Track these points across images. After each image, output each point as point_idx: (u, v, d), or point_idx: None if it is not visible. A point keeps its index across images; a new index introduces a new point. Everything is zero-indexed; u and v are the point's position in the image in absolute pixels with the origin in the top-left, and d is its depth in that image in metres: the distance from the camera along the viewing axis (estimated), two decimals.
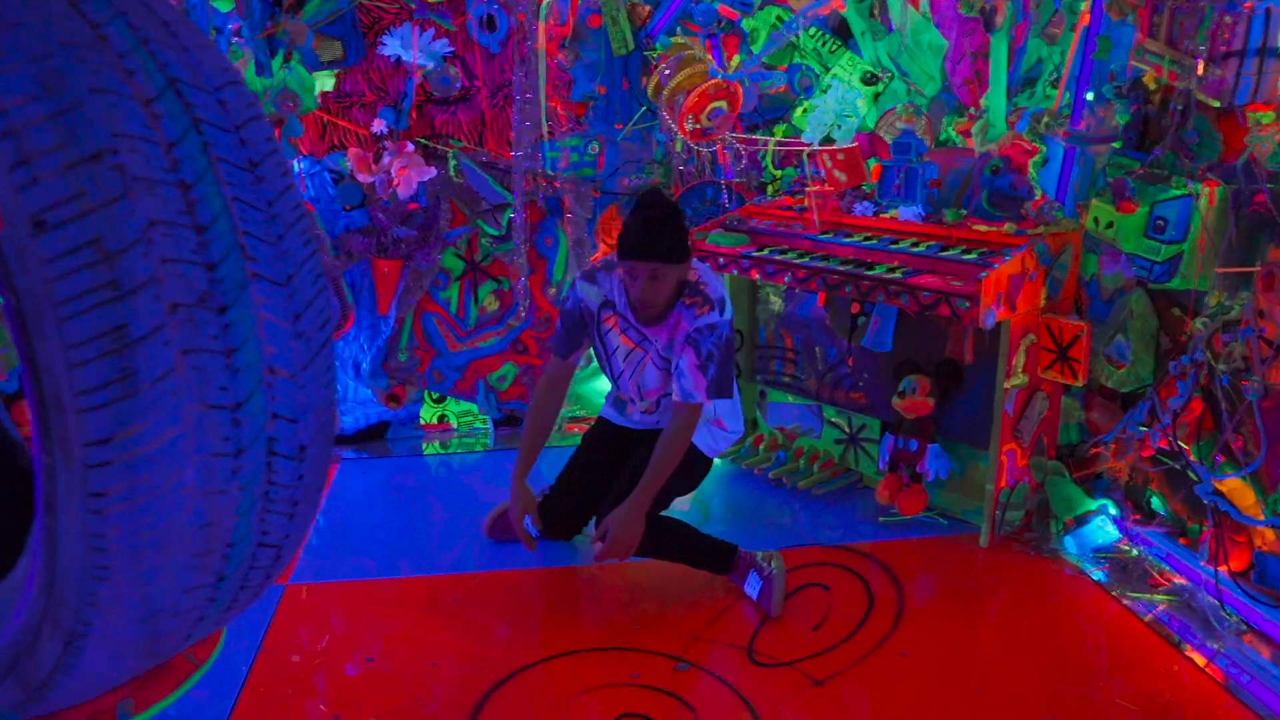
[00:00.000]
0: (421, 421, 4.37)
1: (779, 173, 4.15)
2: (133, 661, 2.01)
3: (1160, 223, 2.84)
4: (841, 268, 3.33)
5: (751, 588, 3.02)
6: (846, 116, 3.66)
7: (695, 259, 3.07)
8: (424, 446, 4.29)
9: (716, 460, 3.99)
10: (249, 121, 1.69)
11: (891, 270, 3.24)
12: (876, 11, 4.06)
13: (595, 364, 4.36)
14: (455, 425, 4.37)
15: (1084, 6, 3.37)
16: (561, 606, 3.11)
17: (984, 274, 2.96)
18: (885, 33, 4.06)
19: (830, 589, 3.09)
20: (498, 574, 3.28)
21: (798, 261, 3.45)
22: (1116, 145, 3.13)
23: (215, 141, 1.61)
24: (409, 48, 3.82)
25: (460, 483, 4.07)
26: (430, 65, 3.85)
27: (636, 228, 2.84)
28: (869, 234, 3.47)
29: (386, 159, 3.87)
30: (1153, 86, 3.05)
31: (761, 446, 3.98)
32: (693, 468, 3.19)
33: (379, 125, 3.88)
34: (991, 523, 3.28)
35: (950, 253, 3.19)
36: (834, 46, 4.06)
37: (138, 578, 1.68)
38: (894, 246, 3.34)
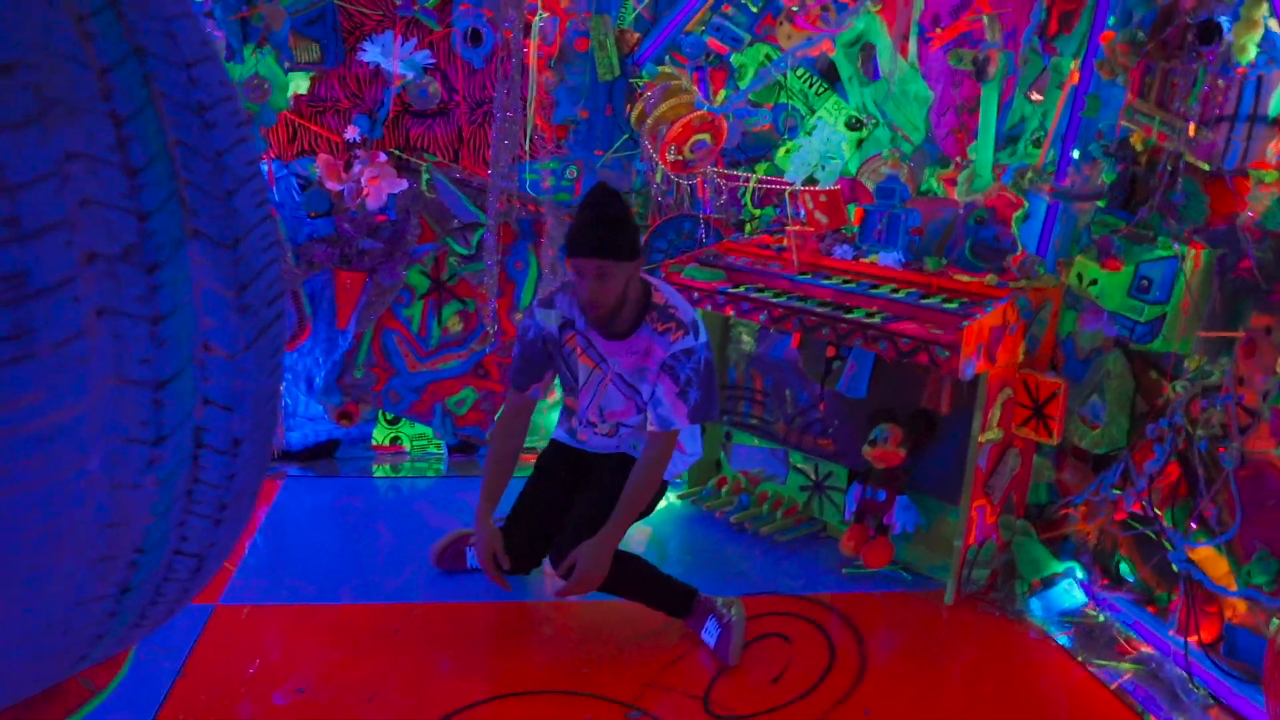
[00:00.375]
0: (373, 442, 4.21)
1: (758, 211, 4.09)
2: (12, 686, 1.72)
3: (1145, 283, 2.80)
4: (819, 309, 3.25)
5: (709, 635, 2.89)
6: (831, 158, 3.61)
7: (664, 283, 2.98)
8: (374, 468, 4.13)
9: (675, 501, 3.89)
10: (202, 61, 1.46)
11: (870, 315, 3.17)
12: (863, 60, 4.05)
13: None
14: (408, 448, 4.22)
15: (1072, 65, 3.37)
16: (510, 643, 2.96)
17: (966, 323, 2.90)
18: (872, 79, 4.05)
19: (790, 640, 2.97)
20: (443, 605, 3.13)
21: (774, 300, 3.37)
22: (1101, 204, 3.10)
23: (159, 75, 1.37)
24: (389, 56, 3.72)
25: (409, 508, 3.90)
26: (410, 75, 3.75)
27: (583, 225, 2.72)
28: (848, 277, 3.41)
29: (357, 168, 3.75)
30: (1140, 147, 3.03)
31: (724, 489, 3.87)
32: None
33: (352, 132, 3.77)
34: (958, 580, 3.19)
35: (931, 301, 3.13)
36: (821, 89, 4.03)
37: (21, 584, 1.39)
38: (874, 291, 3.27)
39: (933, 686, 2.80)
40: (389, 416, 4.18)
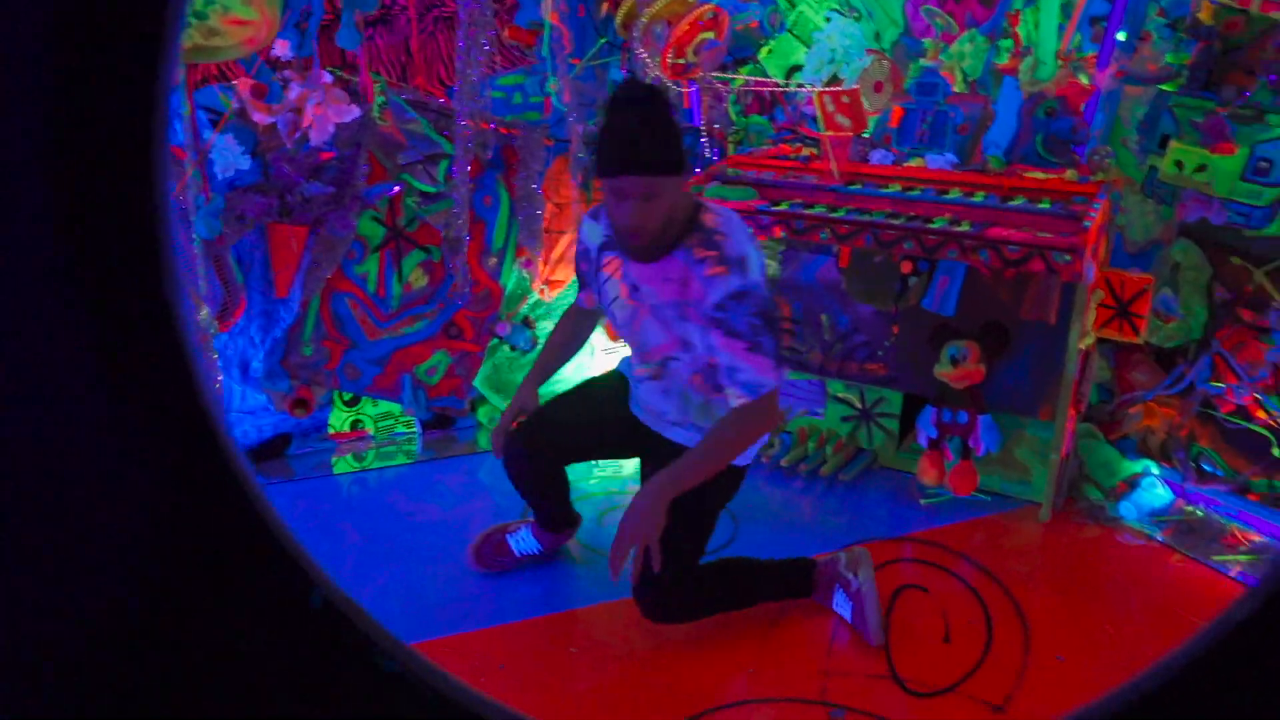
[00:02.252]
0: (330, 430, 3.47)
1: (743, 120, 3.66)
2: None
3: (1264, 164, 2.67)
4: (897, 221, 2.92)
5: (841, 607, 2.55)
6: (853, 54, 3.23)
7: (718, 204, 2.42)
8: (334, 462, 3.41)
9: None
10: None
11: (955, 223, 2.88)
12: None
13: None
14: (373, 433, 3.52)
15: None
16: (609, 664, 2.46)
17: (1088, 223, 2.67)
18: None
19: (928, 590, 2.70)
20: (464, 636, 2.59)
21: (836, 216, 3.00)
22: (1169, 87, 2.95)
23: None
24: None
25: (382, 503, 3.26)
26: None
27: (618, 132, 2.12)
28: (903, 184, 3.09)
29: (295, 92, 2.96)
30: (1210, 22, 2.89)
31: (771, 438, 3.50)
32: (727, 484, 2.49)
33: (281, 48, 2.95)
34: (1054, 496, 3.03)
35: (1016, 203, 2.88)
36: None
37: None
38: (944, 197, 2.98)
39: (1094, 615, 2.63)
40: (346, 397, 3.45)
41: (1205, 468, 3.09)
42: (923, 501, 3.16)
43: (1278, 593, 0.57)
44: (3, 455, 0.58)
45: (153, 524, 0.59)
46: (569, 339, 2.73)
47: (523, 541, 2.78)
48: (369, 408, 3.50)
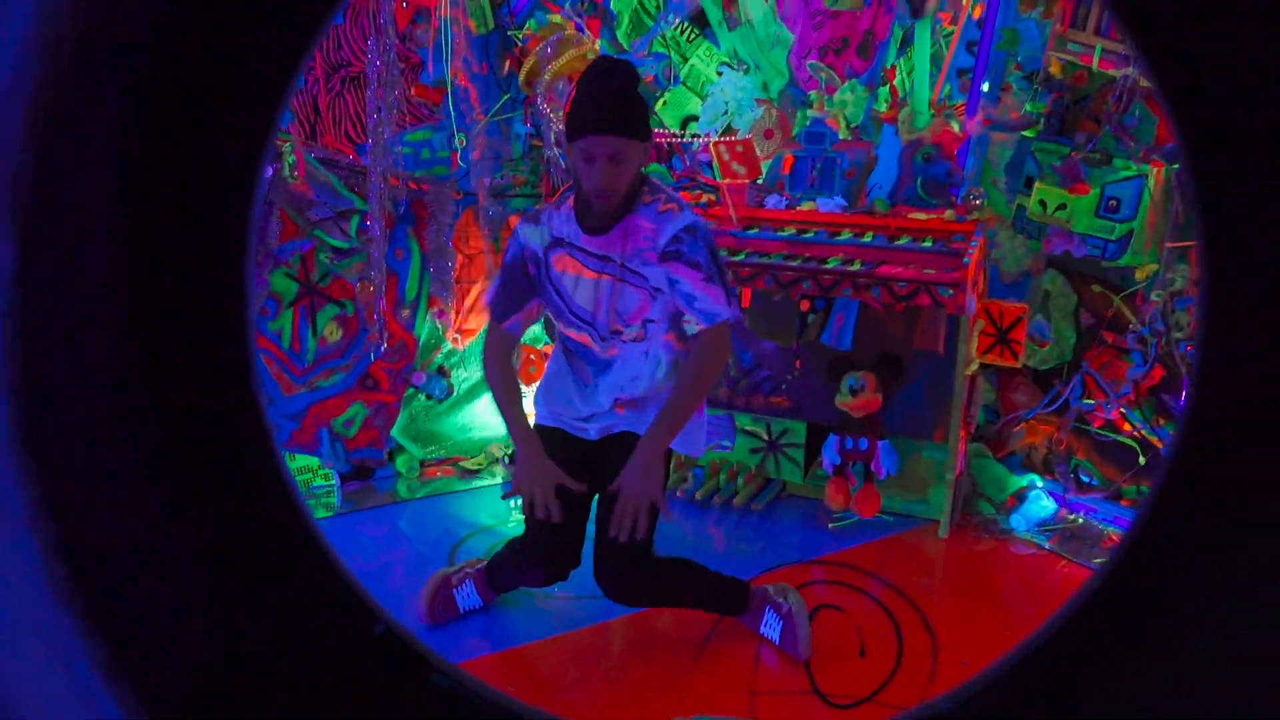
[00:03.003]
0: None
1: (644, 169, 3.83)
2: None
3: (1113, 202, 2.97)
4: (794, 263, 3.12)
5: (770, 629, 2.69)
6: (744, 105, 3.45)
7: None
8: None
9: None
10: None
11: (848, 263, 3.09)
12: (725, 5, 3.92)
13: (449, 400, 3.75)
14: None
15: (966, 1, 3.48)
16: (555, 684, 2.57)
17: (967, 259, 2.91)
18: (732, 27, 3.92)
19: (844, 609, 2.87)
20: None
21: (735, 259, 3.18)
22: (1030, 134, 3.24)
23: None
24: None
25: None
26: None
27: (592, 97, 2.26)
28: (797, 227, 3.29)
29: None
30: (1060, 76, 3.20)
31: (669, 466, 3.64)
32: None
33: None
34: (951, 513, 3.25)
35: (901, 242, 3.11)
36: (692, 35, 3.84)
37: None
38: (836, 239, 3.19)
39: (994, 621, 2.84)
40: None
41: (1083, 478, 3.36)
42: (831, 525, 3.34)
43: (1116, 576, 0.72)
44: (76, 501, 0.66)
45: (226, 569, 0.68)
46: (512, 376, 2.62)
47: (468, 598, 2.81)
48: (286, 462, 3.49)
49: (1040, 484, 3.42)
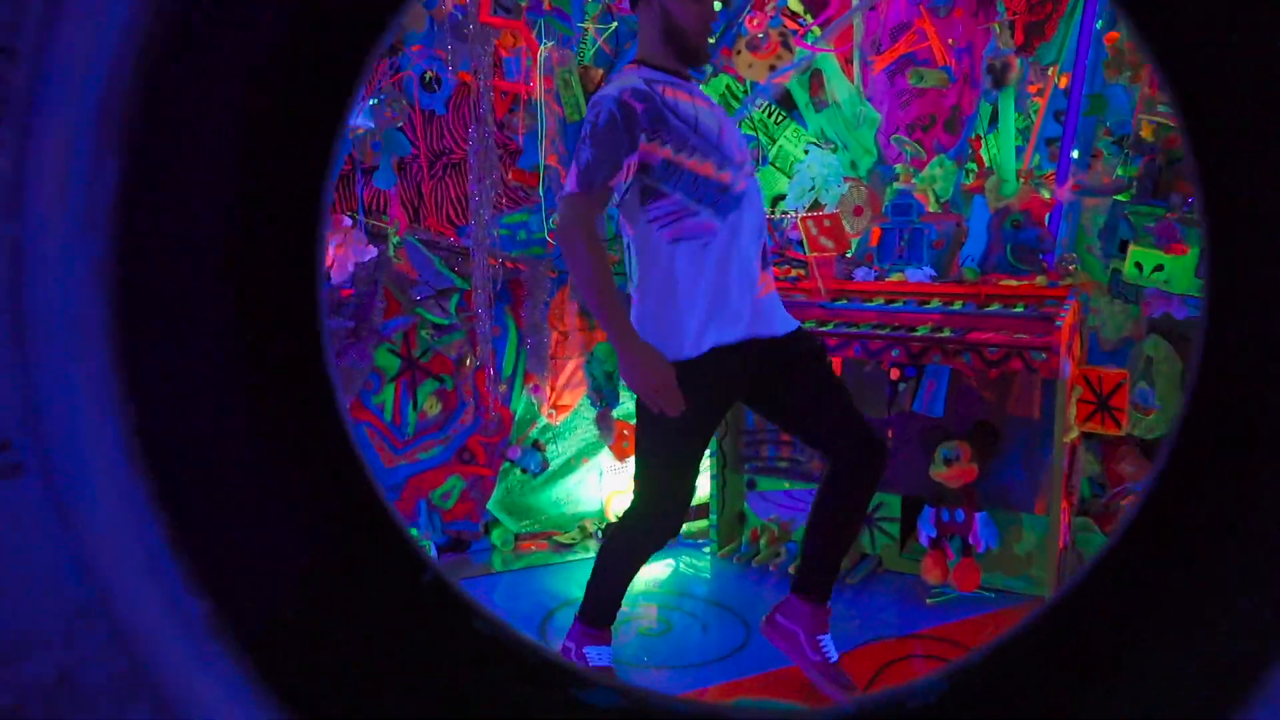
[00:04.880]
0: None
1: None
2: None
3: None
4: (883, 331, 3.11)
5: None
6: (831, 181, 3.51)
7: None
8: None
9: (720, 561, 3.59)
10: None
11: (937, 330, 3.07)
12: (813, 87, 4.03)
13: (544, 474, 3.82)
14: None
15: (1051, 71, 3.50)
16: None
17: (1060, 322, 2.86)
18: (820, 107, 4.02)
19: None
20: None
21: (825, 330, 3.20)
22: (1124, 197, 3.20)
23: None
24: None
25: None
26: (365, 126, 3.26)
27: None
28: (886, 297, 3.30)
29: None
30: (1151, 139, 3.16)
31: (761, 541, 3.61)
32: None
33: None
34: (1055, 589, 3.12)
35: (992, 309, 3.08)
36: (779, 117, 3.95)
37: None
38: (925, 307, 3.18)
39: None
40: None
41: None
42: (929, 600, 3.23)
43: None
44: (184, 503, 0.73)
45: (299, 518, 0.74)
46: (607, 259, 2.31)
47: (601, 656, 2.66)
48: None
49: None
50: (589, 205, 2.28)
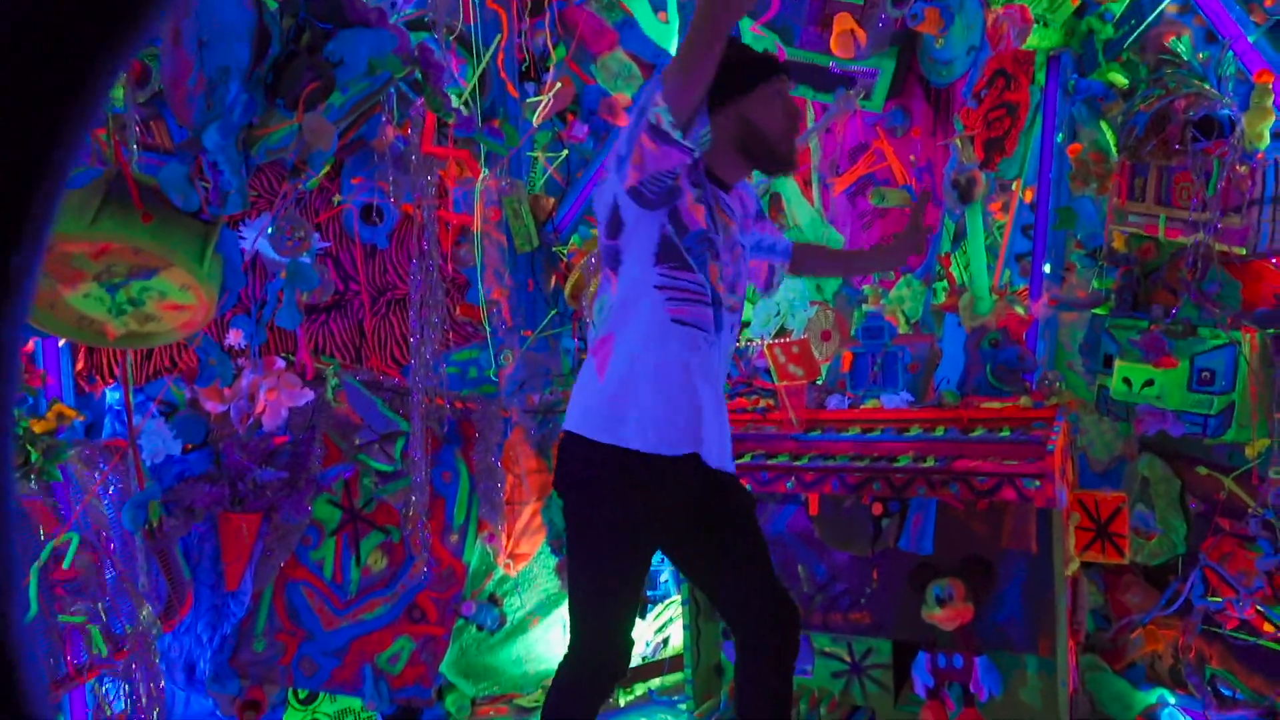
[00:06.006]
0: None
1: None
2: None
3: (1206, 374, 2.72)
4: (860, 464, 2.89)
5: None
6: (797, 307, 3.35)
7: None
8: None
9: None
10: None
11: (919, 460, 2.86)
12: (772, 211, 3.93)
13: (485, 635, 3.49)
14: None
15: (1015, 186, 3.41)
16: None
17: (1052, 447, 2.66)
18: (786, 229, 3.92)
19: None
20: None
21: (799, 464, 2.97)
22: (1101, 311, 3.06)
23: None
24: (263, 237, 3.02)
25: None
26: (268, 256, 3.03)
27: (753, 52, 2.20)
28: (862, 426, 3.09)
29: (247, 379, 2.96)
30: (1124, 250, 3.05)
31: None
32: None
33: (235, 337, 2.99)
34: None
35: (977, 434, 2.88)
36: None
37: None
38: (906, 435, 2.98)
39: None
40: (302, 694, 3.20)
41: (1224, 691, 2.91)
42: None
43: None
44: None
45: None
46: None
47: None
48: (326, 705, 3.23)
49: (1173, 700, 2.97)
50: None
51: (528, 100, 3.34)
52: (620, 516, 2.02)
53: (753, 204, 2.37)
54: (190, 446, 2.98)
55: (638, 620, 3.35)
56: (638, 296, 2.06)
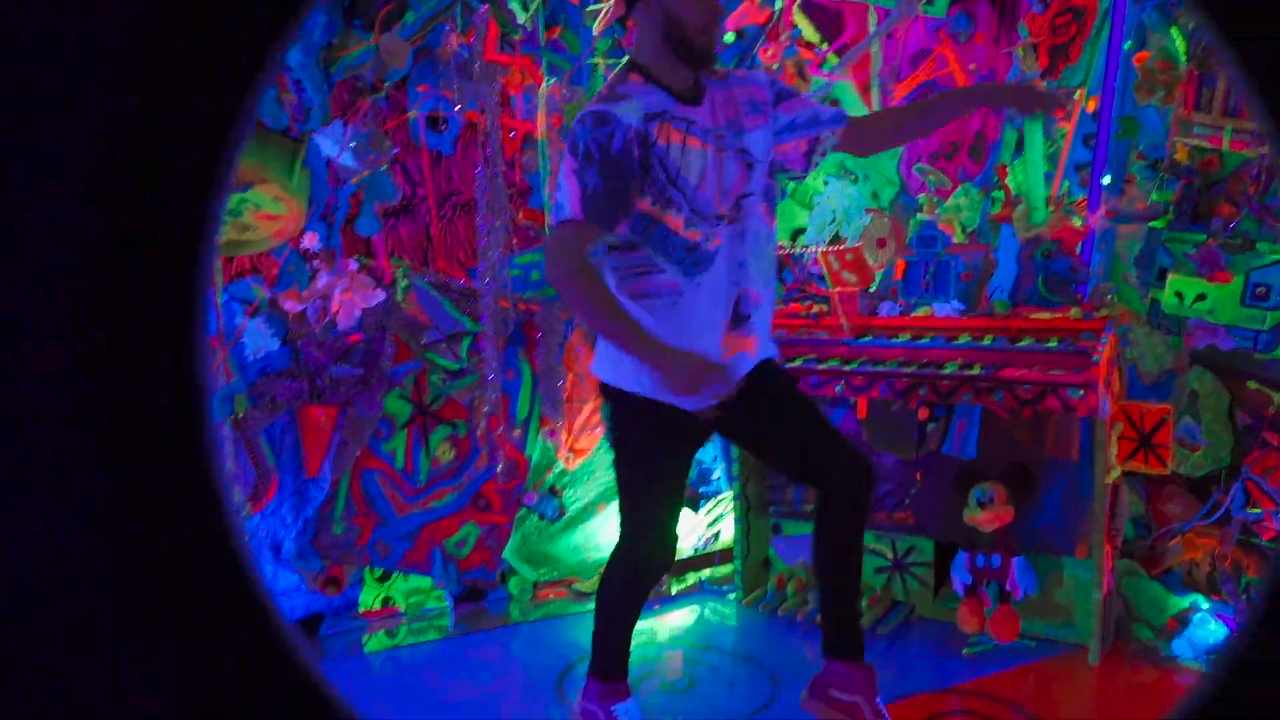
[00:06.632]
0: (360, 609, 3.46)
1: None
2: None
3: (1261, 290, 2.73)
4: (909, 369, 2.98)
5: None
6: (853, 214, 3.39)
7: None
8: (365, 640, 3.38)
9: (745, 610, 3.45)
10: None
11: (967, 367, 2.93)
12: None
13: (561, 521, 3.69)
14: (403, 609, 3.50)
15: (1079, 94, 3.36)
16: None
17: (1097, 358, 2.71)
18: None
19: None
20: None
21: (849, 369, 3.07)
22: (1159, 224, 3.06)
23: None
24: (340, 146, 3.14)
25: (413, 683, 3.20)
26: (348, 168, 3.15)
27: None
28: (912, 333, 3.16)
29: (323, 281, 3.12)
30: (1186, 161, 3.02)
31: (789, 588, 3.46)
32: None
33: (310, 240, 3.14)
34: (1101, 638, 2.94)
35: (1024, 344, 2.94)
36: None
37: None
38: (954, 343, 3.05)
39: None
40: (377, 573, 3.46)
41: (1256, 599, 3.00)
42: (966, 651, 3.06)
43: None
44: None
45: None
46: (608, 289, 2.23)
47: (630, 713, 2.53)
48: (400, 583, 3.49)
49: (1206, 605, 3.06)
50: (591, 235, 2.11)
51: (588, 8, 3.36)
52: (649, 429, 2.25)
53: (760, 92, 2.33)
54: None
55: (690, 513, 3.54)
56: (605, 277, 2.23)
